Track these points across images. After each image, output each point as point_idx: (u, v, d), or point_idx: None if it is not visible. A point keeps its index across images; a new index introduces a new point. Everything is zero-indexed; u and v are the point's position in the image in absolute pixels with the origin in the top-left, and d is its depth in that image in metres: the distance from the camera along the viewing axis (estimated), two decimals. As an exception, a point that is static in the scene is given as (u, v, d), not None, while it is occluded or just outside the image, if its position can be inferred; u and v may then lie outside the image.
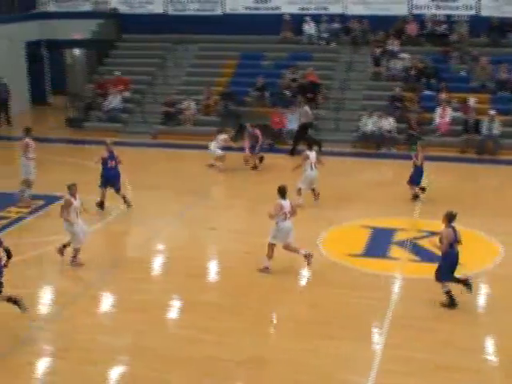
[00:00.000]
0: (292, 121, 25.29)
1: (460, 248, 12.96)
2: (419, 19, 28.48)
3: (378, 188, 19.98)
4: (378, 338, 12.18)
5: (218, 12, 30.67)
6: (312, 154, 18.66)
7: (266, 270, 14.63)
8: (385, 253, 15.72)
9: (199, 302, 13.55)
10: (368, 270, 14.83)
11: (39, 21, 31.98)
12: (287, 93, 26.64)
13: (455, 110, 25.06)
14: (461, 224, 16.65)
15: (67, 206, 14.67)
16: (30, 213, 18.45)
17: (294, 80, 27.03)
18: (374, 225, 17.26)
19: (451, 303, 12.93)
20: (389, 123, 24.68)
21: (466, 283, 13.09)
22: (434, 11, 28.53)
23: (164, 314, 13.34)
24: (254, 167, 22.08)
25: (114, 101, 27.82)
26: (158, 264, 16.02)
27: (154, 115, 27.56)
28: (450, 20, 28.32)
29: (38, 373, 11.44)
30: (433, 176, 20.76)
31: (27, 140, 19.25)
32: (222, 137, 22.41)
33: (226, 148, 22.37)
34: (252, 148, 22.12)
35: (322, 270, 15.06)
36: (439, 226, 16.67)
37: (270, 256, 14.61)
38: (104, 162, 18.55)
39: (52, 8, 32.51)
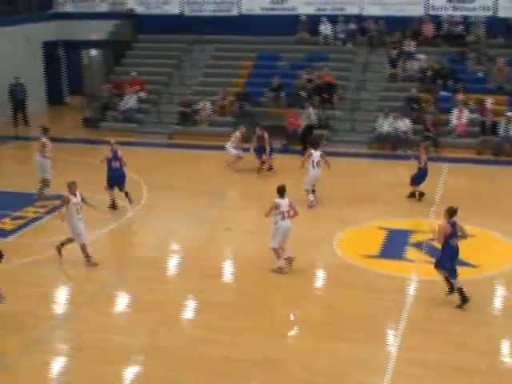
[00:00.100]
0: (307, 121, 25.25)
1: (475, 248, 12.91)
2: (436, 20, 28.36)
3: (393, 189, 19.90)
4: (392, 340, 12.14)
5: (234, 13, 30.69)
6: (315, 153, 18.82)
7: (279, 269, 14.65)
8: (400, 254, 15.67)
9: (214, 303, 13.57)
10: (383, 271, 14.78)
11: (56, 21, 32.14)
12: (303, 93, 26.61)
13: (472, 111, 24.93)
14: (477, 225, 16.60)
15: (66, 202, 14.94)
16: (47, 212, 18.54)
17: (309, 80, 27.00)
18: (390, 226, 17.20)
19: (464, 299, 12.96)
20: (405, 124, 24.59)
21: (464, 300, 13.04)
22: (450, 12, 28.40)
23: (179, 314, 13.37)
24: (270, 168, 22.00)
25: (130, 101, 27.91)
26: (173, 264, 16.05)
27: (169, 115, 27.61)
28: (466, 21, 28.19)
29: (53, 372, 11.50)
30: (450, 177, 20.69)
31: (44, 140, 19.38)
32: (234, 135, 22.39)
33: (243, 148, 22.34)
34: (259, 150, 21.97)
35: (338, 271, 15.04)
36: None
37: (278, 257, 14.64)
38: (108, 162, 18.66)
39: (69, 8, 32.66)
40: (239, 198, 21.14)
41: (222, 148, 22.50)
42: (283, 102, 26.68)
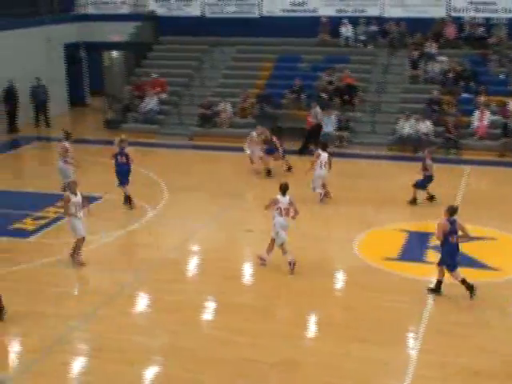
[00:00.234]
0: (327, 123, 25.23)
1: (496, 251, 12.86)
2: (457, 22, 28.20)
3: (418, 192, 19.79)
4: (412, 343, 12.08)
5: (255, 14, 30.70)
6: (324, 154, 19.01)
7: (291, 264, 14.76)
8: (420, 257, 15.59)
9: (233, 304, 13.57)
10: (403, 273, 14.71)
11: (78, 23, 32.34)
12: (323, 95, 26.57)
13: (494, 113, 24.77)
14: (498, 228, 16.49)
15: (66, 201, 15.11)
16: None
17: (330, 82, 26.95)
18: (410, 228, 17.13)
19: (470, 288, 13.26)
20: (426, 126, 24.46)
21: (471, 290, 13.30)
22: (472, 14, 28.22)
23: (198, 314, 13.38)
24: (289, 168, 21.91)
25: (151, 102, 28.01)
26: (193, 265, 16.08)
27: (190, 117, 27.67)
28: (488, 23, 28.01)
29: (73, 372, 11.55)
30: (471, 180, 20.56)
31: (66, 144, 19.47)
32: (250, 136, 22.35)
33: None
34: (270, 150, 21.87)
35: (358, 272, 15.00)
36: (477, 230, 16.55)
37: (284, 252, 14.87)
38: (115, 157, 18.95)
39: (90, 10, 32.86)
40: (259, 200, 20.99)
41: (243, 150, 22.48)
42: (304, 103, 26.64)
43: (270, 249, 15.06)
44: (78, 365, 11.75)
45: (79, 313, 13.58)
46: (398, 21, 28.72)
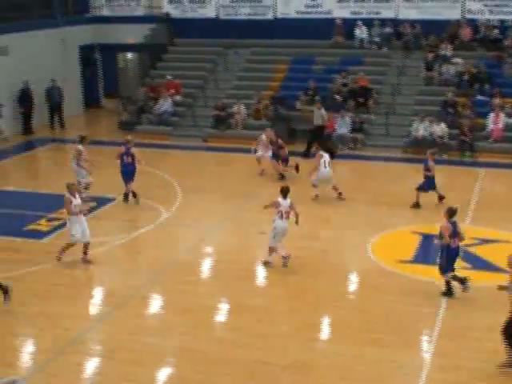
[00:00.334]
0: (342, 125, 25.20)
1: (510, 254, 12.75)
2: (472, 24, 28.09)
3: (428, 194, 19.69)
4: (426, 346, 12.04)
5: (270, 16, 30.71)
6: (326, 155, 19.44)
7: (268, 263, 15.14)
8: (434, 259, 15.45)
9: (246, 306, 13.57)
10: (418, 276, 14.65)
11: (93, 25, 32.47)
12: (338, 97, 26.53)
13: (509, 115, 24.63)
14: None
15: (68, 203, 15.17)
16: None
17: (344, 85, 26.91)
18: (424, 231, 17.05)
19: (463, 282, 13.49)
20: (441, 129, 24.37)
21: (463, 282, 13.52)
22: (487, 16, 28.10)
23: (211, 316, 13.38)
24: (297, 167, 21.64)
25: (166, 104, 28.06)
26: (206, 267, 16.09)
27: (204, 119, 27.70)
28: (503, 25, 27.87)
29: (86, 373, 11.58)
30: (486, 183, 20.44)
31: (80, 147, 19.55)
32: (260, 138, 22.29)
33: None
34: (275, 156, 21.75)
35: (371, 275, 14.96)
36: (491, 233, 16.49)
37: (271, 252, 15.12)
38: (121, 157, 19.24)
39: (105, 12, 32.97)
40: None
41: (251, 151, 22.45)
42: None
43: (272, 251, 15.17)
44: (90, 365, 11.79)
45: (93, 314, 13.64)
46: (412, 23, 28.64)
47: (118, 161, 19.37)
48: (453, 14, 28.40)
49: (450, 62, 27.02)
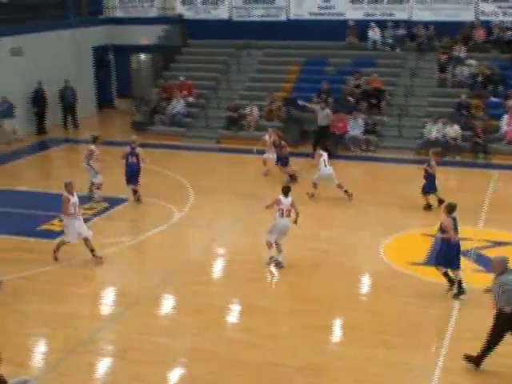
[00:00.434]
0: (354, 127, 25.16)
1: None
2: (486, 25, 27.97)
3: (441, 196, 19.64)
4: (439, 348, 11.97)
5: (283, 18, 30.69)
6: (325, 154, 19.70)
7: (271, 259, 15.27)
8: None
9: (258, 307, 13.56)
10: (430, 278, 14.58)
11: (106, 26, 32.59)
12: (350, 99, 26.49)
13: (523, 117, 24.53)
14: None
15: (65, 202, 15.26)
16: (95, 214, 18.76)
17: (357, 86, 26.87)
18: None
19: (450, 283, 13.72)
20: (454, 131, 24.27)
21: (450, 283, 13.77)
22: (501, 18, 27.98)
23: (222, 317, 13.38)
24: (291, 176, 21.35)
25: (178, 105, 28.11)
26: (218, 267, 16.10)
27: (217, 120, 27.73)
28: (517, 26, 27.79)
29: (98, 373, 11.61)
30: (499, 184, 20.33)
31: (92, 147, 19.63)
32: (262, 139, 22.20)
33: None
34: (280, 159, 21.63)
35: (383, 277, 14.92)
36: (504, 235, 16.40)
37: (270, 247, 15.28)
38: (125, 157, 19.42)
39: (119, 13, 33.09)
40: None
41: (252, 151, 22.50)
42: (330, 107, 26.53)
43: (279, 248, 15.31)
44: (102, 365, 11.81)
45: (105, 314, 13.68)
46: (426, 24, 28.55)
47: (124, 160, 19.51)
48: (466, 15, 28.30)
49: (464, 63, 26.92)
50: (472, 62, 26.86)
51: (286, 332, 12.53)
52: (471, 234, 16.77)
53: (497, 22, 27.94)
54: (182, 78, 28.94)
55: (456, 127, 24.33)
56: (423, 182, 18.81)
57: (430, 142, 24.33)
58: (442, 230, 13.74)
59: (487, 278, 13.88)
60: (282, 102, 27.10)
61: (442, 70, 27.08)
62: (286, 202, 15.16)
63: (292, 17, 30.57)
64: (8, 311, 13.39)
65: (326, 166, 19.55)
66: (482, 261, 15.26)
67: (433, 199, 18.73)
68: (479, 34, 27.80)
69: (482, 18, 28.19)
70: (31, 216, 18.50)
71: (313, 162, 20.57)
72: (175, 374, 11.55)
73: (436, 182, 18.84)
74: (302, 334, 12.44)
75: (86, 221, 18.14)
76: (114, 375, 11.45)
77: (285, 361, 11.53)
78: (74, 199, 15.36)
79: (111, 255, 16.03)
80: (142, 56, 33.73)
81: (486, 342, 11.12)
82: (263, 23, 30.65)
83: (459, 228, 13.89)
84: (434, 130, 24.42)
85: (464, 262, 15.32)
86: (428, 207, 18.66)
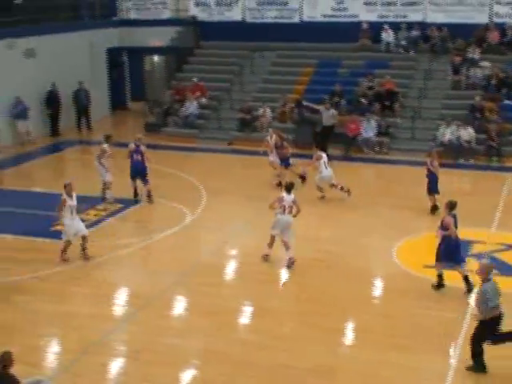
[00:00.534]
0: (367, 129, 25.12)
1: None
2: (500, 27, 27.86)
3: (454, 199, 19.53)
4: (452, 352, 11.92)
5: (296, 20, 30.69)
6: (324, 155, 19.92)
7: (265, 257, 15.55)
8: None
9: (270, 308, 13.56)
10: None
11: (120, 28, 32.69)
12: (363, 100, 26.45)
13: (537, 120, 24.43)
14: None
15: (62, 203, 15.44)
16: (108, 216, 18.82)
17: (370, 88, 26.82)
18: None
19: (439, 285, 14.09)
20: (468, 133, 24.17)
21: (440, 285, 14.11)
22: (515, 19, 27.90)
23: (234, 318, 13.39)
24: (279, 183, 20.95)
25: (191, 107, 28.16)
26: (230, 269, 16.10)
27: (230, 122, 27.75)
28: (531, 29, 27.66)
29: (111, 373, 11.65)
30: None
31: (105, 146, 19.74)
32: (265, 140, 22.08)
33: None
34: (282, 161, 21.47)
35: (396, 280, 14.88)
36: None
37: (269, 245, 15.55)
38: (130, 155, 19.64)
39: (133, 15, 33.17)
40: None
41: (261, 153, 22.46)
42: (343, 109, 26.54)
43: (287, 246, 15.49)
44: (115, 366, 11.84)
45: (117, 314, 13.71)
46: (440, 26, 28.47)
47: (129, 159, 19.70)
48: (480, 17, 28.20)
49: (478, 65, 26.83)
50: (486, 64, 26.76)
51: (298, 334, 12.52)
52: (485, 237, 16.73)
53: (511, 23, 27.80)
54: (194, 80, 28.99)
55: (470, 130, 24.23)
56: (427, 181, 18.66)
57: (443, 145, 24.26)
58: (443, 227, 13.91)
59: (500, 282, 13.87)
60: (294, 104, 27.08)
61: (456, 72, 26.99)
62: (289, 198, 15.36)
63: (305, 19, 30.55)
64: (21, 311, 13.45)
65: (326, 167, 19.62)
66: (496, 264, 15.14)
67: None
68: (493, 36, 27.70)
69: (496, 20, 28.08)
70: (44, 217, 18.54)
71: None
72: (187, 375, 11.56)
73: (437, 180, 18.65)
74: (314, 336, 12.42)
75: (99, 222, 18.31)
76: (127, 376, 11.49)
77: (297, 363, 11.52)
78: (73, 203, 15.44)
79: (124, 256, 16.09)
80: (156, 58, 33.81)
81: (472, 342, 11.23)
82: (276, 25, 30.64)
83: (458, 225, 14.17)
84: (447, 133, 24.34)
85: (477, 264, 15.26)
86: (434, 208, 18.50)
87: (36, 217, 18.78)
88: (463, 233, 17.07)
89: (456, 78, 26.94)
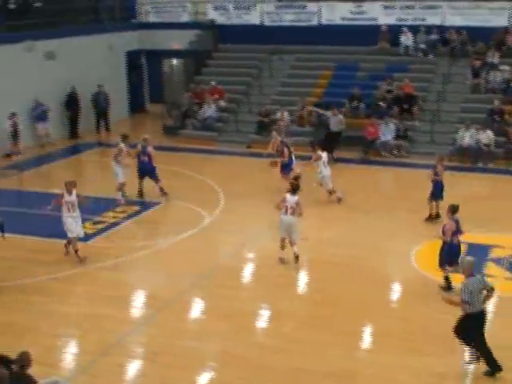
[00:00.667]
0: (386, 132, 25.04)
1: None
2: (520, 31, 27.72)
3: (473, 203, 19.44)
4: (469, 356, 11.83)
5: (314, 23, 30.66)
6: (324, 154, 20.01)
7: (281, 259, 15.68)
8: (480, 269, 15.26)
9: (288, 312, 13.54)
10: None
11: (139, 31, 32.83)
12: (382, 104, 26.38)
13: (557, 124, 24.23)
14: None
15: (59, 199, 15.81)
16: (126, 218, 18.88)
17: (389, 91, 26.75)
18: (470, 240, 16.79)
19: (448, 287, 14.10)
20: (487, 137, 24.02)
21: (448, 287, 14.15)
22: (535, 23, 27.72)
23: (252, 322, 13.38)
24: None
25: (210, 110, 28.20)
26: (248, 272, 16.10)
27: (248, 125, 27.77)
28: (551, 32, 27.46)
29: (128, 375, 11.68)
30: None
31: (122, 146, 19.90)
32: (272, 142, 22.04)
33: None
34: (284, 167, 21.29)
35: (415, 284, 14.81)
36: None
37: (281, 247, 15.73)
38: (138, 155, 19.90)
39: (152, 18, 33.30)
40: (315, 208, 20.94)
41: (300, 158, 22.39)
42: (362, 112, 26.48)
43: (283, 246, 15.73)
44: (132, 368, 11.88)
45: (135, 316, 13.76)
46: (459, 29, 28.34)
47: (136, 159, 19.94)
48: (499, 20, 27.99)
49: (497, 69, 26.67)
50: (505, 67, 26.59)
51: (316, 338, 12.49)
52: (504, 242, 16.62)
53: (531, 27, 27.67)
54: (213, 83, 29.04)
55: (489, 133, 24.09)
56: (432, 187, 18.38)
57: (462, 149, 24.14)
58: (443, 231, 14.15)
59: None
60: (313, 107, 27.05)
61: (475, 75, 26.84)
62: (292, 199, 15.52)
63: (324, 22, 30.51)
64: (40, 312, 13.53)
65: (325, 167, 19.88)
66: (514, 268, 15.11)
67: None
68: (513, 40, 27.54)
69: (516, 23, 27.93)
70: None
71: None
72: (204, 378, 11.56)
73: (443, 187, 18.37)
74: (332, 340, 12.39)
75: (117, 224, 18.38)
76: (144, 378, 11.52)
77: (314, 366, 11.49)
78: (70, 198, 15.73)
79: (142, 258, 16.14)
80: (174, 61, 33.88)
81: (477, 349, 11.30)
82: (295, 28, 30.63)
83: (463, 229, 14.34)
84: (466, 136, 24.20)
85: (497, 269, 15.21)
86: (432, 217, 18.19)
87: (55, 218, 18.81)
88: (482, 237, 17.09)
89: (475, 82, 26.79)
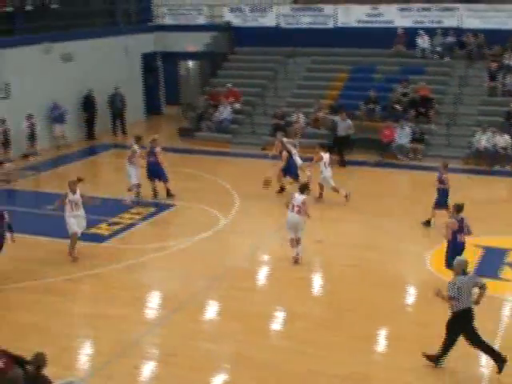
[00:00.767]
0: (401, 135, 24.95)
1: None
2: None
3: (490, 206, 19.36)
4: (486, 361, 11.76)
5: (330, 25, 30.62)
6: (326, 155, 20.17)
7: (294, 258, 15.76)
8: (496, 273, 15.21)
9: (302, 314, 13.52)
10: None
11: (155, 33, 32.92)
12: (397, 107, 26.30)
13: None
14: None
15: (63, 198, 15.92)
16: (142, 219, 18.93)
17: (404, 94, 26.66)
18: (486, 244, 16.73)
19: None
20: (504, 140, 23.89)
21: None
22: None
23: (266, 324, 13.37)
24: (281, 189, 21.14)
25: (225, 112, 28.23)
26: (263, 274, 16.10)
27: (263, 127, 27.76)
28: None
29: (143, 376, 11.70)
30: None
31: (135, 147, 20.00)
32: (276, 144, 22.00)
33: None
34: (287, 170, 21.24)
35: (430, 287, 14.67)
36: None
37: (292, 246, 15.82)
38: (147, 156, 20.11)
39: (168, 21, 33.39)
40: (331, 210, 20.91)
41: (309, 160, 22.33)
42: (378, 115, 26.41)
43: (293, 245, 15.80)
44: (147, 369, 11.90)
45: (150, 318, 13.78)
46: (475, 32, 28.19)
47: (145, 160, 20.07)
48: (516, 23, 27.88)
49: (514, 72, 26.53)
50: (522, 70, 26.46)
51: (330, 340, 12.46)
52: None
53: (548, 29, 27.49)
54: (228, 85, 29.07)
55: (506, 137, 23.96)
56: (436, 196, 18.13)
57: (479, 152, 24.01)
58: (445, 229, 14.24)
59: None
60: (328, 110, 27.00)
61: (492, 78, 26.70)
62: (298, 198, 15.66)
63: (340, 24, 30.46)
64: (54, 313, 13.59)
65: (326, 167, 20.01)
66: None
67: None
68: (530, 43, 27.38)
69: (533, 25, 27.76)
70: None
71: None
72: (218, 379, 11.57)
73: (448, 193, 18.08)
74: (346, 343, 12.36)
75: (133, 225, 18.43)
76: (158, 379, 11.53)
77: (328, 369, 11.46)
78: (74, 197, 15.88)
79: (157, 260, 16.18)
80: (190, 63, 33.97)
81: (474, 345, 11.30)
82: (311, 30, 30.60)
83: (466, 229, 14.19)
84: (483, 140, 24.08)
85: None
86: (428, 223, 18.01)
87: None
88: (498, 241, 16.98)
89: (492, 85, 26.65)
